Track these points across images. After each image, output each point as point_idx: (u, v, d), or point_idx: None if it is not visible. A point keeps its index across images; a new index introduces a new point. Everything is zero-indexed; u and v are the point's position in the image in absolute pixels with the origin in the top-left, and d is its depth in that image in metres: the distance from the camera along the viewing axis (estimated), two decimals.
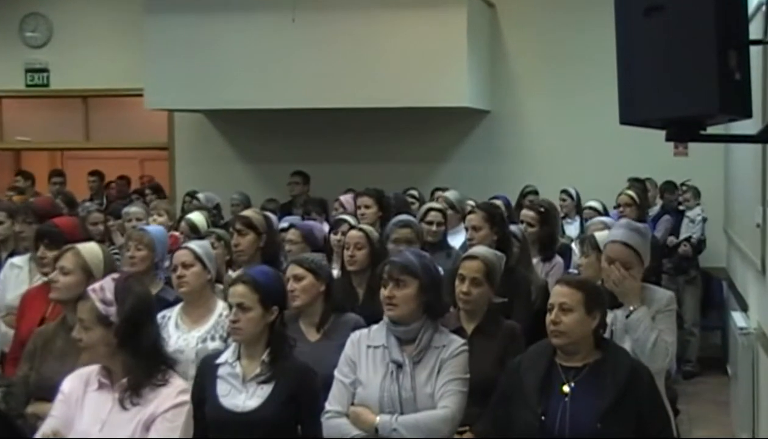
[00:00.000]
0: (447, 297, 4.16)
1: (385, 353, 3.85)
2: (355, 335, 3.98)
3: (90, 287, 3.23)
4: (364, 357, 3.88)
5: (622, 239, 4.24)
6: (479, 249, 4.61)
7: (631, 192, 7.72)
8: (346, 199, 7.56)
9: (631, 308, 4.15)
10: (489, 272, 4.35)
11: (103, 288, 3.18)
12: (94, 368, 3.23)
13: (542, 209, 6.33)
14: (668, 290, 4.46)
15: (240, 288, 3.79)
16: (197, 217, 6.45)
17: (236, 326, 3.77)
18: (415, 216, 6.28)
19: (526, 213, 6.32)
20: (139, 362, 3.14)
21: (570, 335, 3.63)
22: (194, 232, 6.15)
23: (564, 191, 9.10)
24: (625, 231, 4.31)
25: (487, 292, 4.35)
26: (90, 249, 4.33)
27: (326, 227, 6.58)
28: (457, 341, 3.91)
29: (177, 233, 6.33)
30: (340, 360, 3.93)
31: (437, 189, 9.15)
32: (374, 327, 3.98)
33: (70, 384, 3.25)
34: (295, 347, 3.90)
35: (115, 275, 3.30)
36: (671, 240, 9.39)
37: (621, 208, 7.49)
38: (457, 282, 4.36)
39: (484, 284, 4.34)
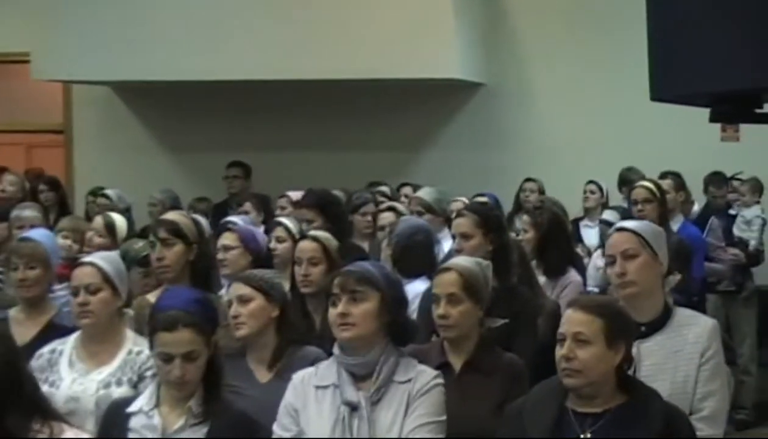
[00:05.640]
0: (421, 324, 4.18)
1: (336, 393, 3.85)
2: (297, 377, 3.98)
3: None
4: (312, 401, 3.88)
5: (626, 226, 4.30)
6: (455, 259, 4.64)
7: (648, 184, 7.64)
8: (297, 196, 7.56)
9: (642, 327, 4.12)
10: (469, 284, 4.33)
11: None
12: None
13: (540, 209, 6.36)
14: (710, 318, 4.38)
15: (187, 335, 3.77)
16: (118, 217, 6.45)
17: (185, 380, 3.77)
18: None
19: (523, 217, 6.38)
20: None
21: (587, 375, 3.63)
22: (110, 235, 6.13)
23: (593, 182, 9.16)
24: (630, 223, 4.38)
25: (471, 311, 4.34)
26: None
27: (261, 230, 6.58)
28: (428, 374, 3.90)
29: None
30: (279, 410, 3.93)
31: (405, 184, 9.17)
32: (323, 364, 3.99)
33: None
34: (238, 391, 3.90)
35: None
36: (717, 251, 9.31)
37: (639, 206, 7.46)
38: (433, 305, 4.36)
39: (465, 300, 4.32)
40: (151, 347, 3.85)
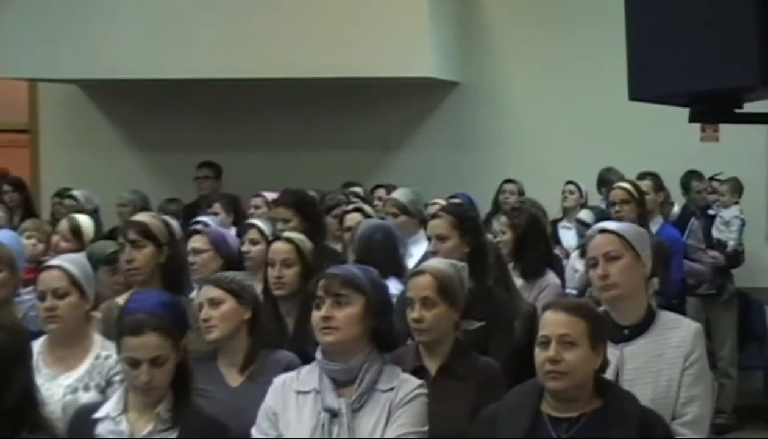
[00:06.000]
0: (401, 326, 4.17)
1: (317, 399, 3.85)
2: (278, 380, 3.97)
3: None
4: (292, 407, 3.87)
5: (609, 227, 4.30)
6: (429, 261, 4.63)
7: (626, 185, 7.68)
8: (273, 196, 7.55)
9: (626, 330, 4.14)
10: (443, 287, 4.33)
11: None
12: None
13: (518, 210, 6.38)
14: (694, 322, 4.37)
15: (154, 339, 3.76)
16: (84, 219, 6.42)
17: (152, 386, 3.76)
18: None
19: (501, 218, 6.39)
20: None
21: (573, 377, 3.64)
22: (76, 238, 6.11)
23: (571, 183, 9.18)
24: (612, 224, 4.38)
25: (446, 315, 4.34)
26: None
27: (233, 232, 6.57)
28: (412, 383, 3.91)
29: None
30: (258, 414, 3.92)
31: (379, 186, 9.18)
32: (304, 368, 3.98)
33: None
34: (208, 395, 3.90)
35: None
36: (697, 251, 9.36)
37: (617, 207, 7.48)
38: (407, 309, 4.36)
39: (440, 304, 4.32)
40: (119, 351, 3.84)
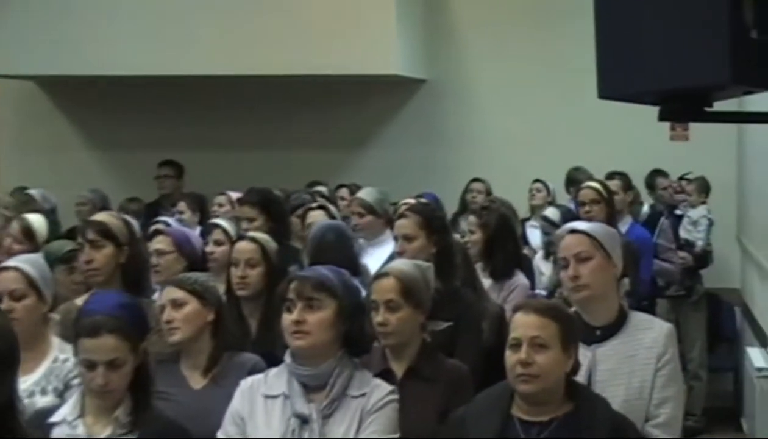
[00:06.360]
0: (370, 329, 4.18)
1: (286, 404, 3.84)
2: (246, 383, 3.97)
3: None
4: (260, 411, 3.87)
5: (579, 228, 4.31)
6: (393, 263, 4.62)
7: (595, 184, 7.69)
8: (237, 195, 7.53)
9: (597, 331, 4.17)
10: (408, 289, 4.31)
11: None
12: None
13: (488, 209, 6.38)
14: (666, 322, 4.41)
15: (111, 341, 3.74)
16: (36, 219, 6.38)
17: (109, 389, 3.74)
18: None
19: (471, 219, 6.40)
20: None
21: (545, 380, 3.64)
22: (28, 240, 6.07)
23: (539, 181, 9.22)
24: (583, 224, 4.40)
25: (411, 317, 4.33)
26: None
27: (198, 232, 6.55)
28: (383, 389, 3.92)
29: None
30: (225, 417, 3.92)
31: (342, 186, 9.18)
32: (272, 371, 3.97)
33: None
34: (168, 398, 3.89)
35: None
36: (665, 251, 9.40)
37: (586, 207, 7.49)
38: (372, 312, 4.36)
39: (404, 306, 4.30)
40: (75, 353, 3.82)
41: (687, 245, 9.47)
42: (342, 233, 6.04)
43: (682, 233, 9.57)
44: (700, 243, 9.54)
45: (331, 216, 6.64)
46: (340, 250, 5.80)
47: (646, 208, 9.79)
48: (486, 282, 6.01)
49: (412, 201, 7.03)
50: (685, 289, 9.51)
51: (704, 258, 9.63)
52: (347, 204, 8.14)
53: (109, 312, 3.79)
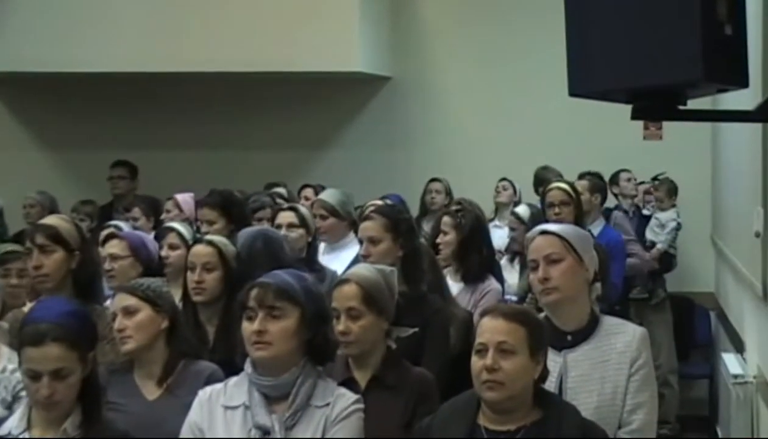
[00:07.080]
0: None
1: (246, 415, 3.83)
2: (204, 393, 3.95)
3: None
4: (220, 422, 3.85)
5: (550, 229, 4.31)
6: (354, 268, 4.61)
7: (563, 185, 7.68)
8: (184, 199, 7.51)
9: (568, 336, 4.18)
10: (369, 296, 4.29)
11: None
12: None
13: (462, 210, 6.38)
14: (639, 326, 4.41)
15: (56, 350, 3.71)
16: None
17: (54, 400, 3.71)
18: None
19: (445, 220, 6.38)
20: None
21: (511, 387, 3.64)
22: None
23: (505, 179, 9.25)
24: (554, 226, 4.40)
25: (374, 324, 4.32)
26: None
27: (152, 237, 6.53)
28: (348, 398, 3.92)
29: None
30: (182, 429, 3.90)
31: (306, 186, 9.18)
32: (232, 381, 3.96)
33: None
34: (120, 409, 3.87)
35: None
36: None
37: (556, 209, 7.49)
38: (333, 320, 4.35)
39: (366, 314, 4.29)
40: (20, 362, 3.79)
41: (651, 246, 9.53)
42: (271, 238, 5.86)
43: (648, 235, 9.64)
44: (660, 245, 9.57)
45: (302, 217, 6.59)
46: (270, 256, 5.63)
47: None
48: (457, 286, 6.02)
49: (379, 203, 7.03)
50: (648, 292, 9.56)
51: (668, 261, 9.68)
52: (310, 205, 8.14)
53: (55, 320, 3.76)
